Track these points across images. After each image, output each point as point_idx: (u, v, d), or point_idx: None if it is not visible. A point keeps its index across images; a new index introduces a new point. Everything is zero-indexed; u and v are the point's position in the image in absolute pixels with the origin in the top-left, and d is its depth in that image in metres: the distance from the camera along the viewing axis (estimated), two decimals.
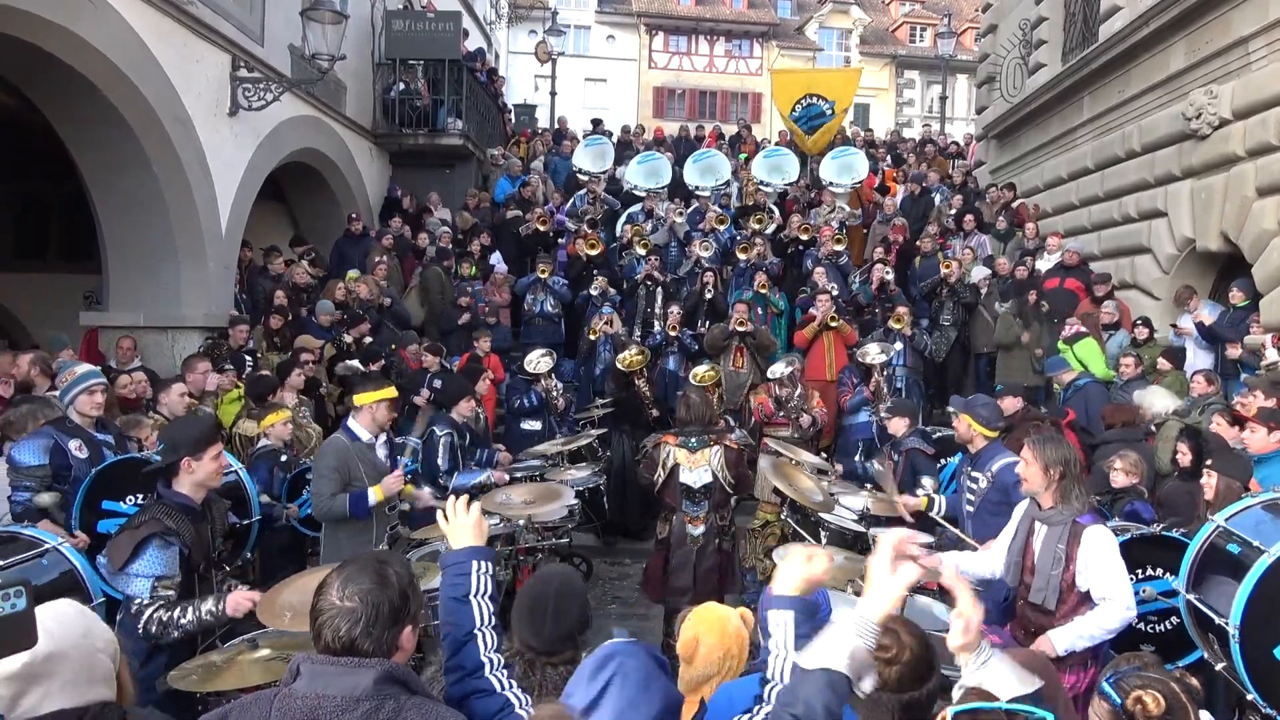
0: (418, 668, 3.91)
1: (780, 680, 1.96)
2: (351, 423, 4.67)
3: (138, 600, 3.13)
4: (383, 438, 4.84)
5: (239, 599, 3.18)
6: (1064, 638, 3.29)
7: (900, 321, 8.56)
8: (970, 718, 1.66)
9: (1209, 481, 4.24)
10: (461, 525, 2.24)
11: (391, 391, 4.76)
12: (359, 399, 4.68)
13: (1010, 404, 6.63)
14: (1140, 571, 3.94)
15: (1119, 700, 1.91)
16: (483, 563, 2.18)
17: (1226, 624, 3.04)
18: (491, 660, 2.05)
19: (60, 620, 1.63)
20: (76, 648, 1.62)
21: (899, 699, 1.92)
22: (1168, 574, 3.90)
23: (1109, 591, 3.25)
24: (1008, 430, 6.67)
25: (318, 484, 4.45)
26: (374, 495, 4.41)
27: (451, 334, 9.54)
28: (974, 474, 4.71)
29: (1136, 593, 3.91)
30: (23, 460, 4.33)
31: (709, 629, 2.39)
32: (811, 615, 2.04)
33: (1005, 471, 4.48)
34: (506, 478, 6.20)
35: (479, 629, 2.08)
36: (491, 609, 2.12)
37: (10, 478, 4.34)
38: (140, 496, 4.28)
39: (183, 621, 3.12)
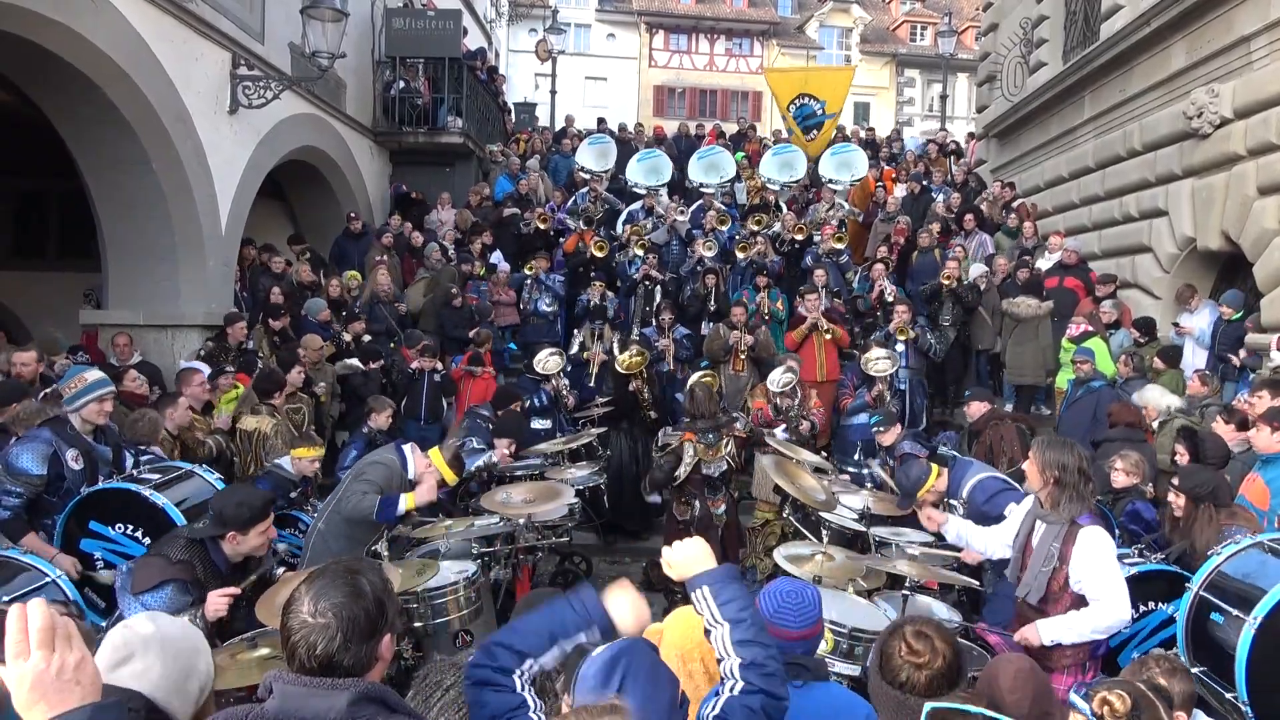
0: (416, 666, 3.90)
1: (728, 657, 1.92)
2: (407, 450, 4.68)
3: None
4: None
5: (214, 600, 3.17)
6: (1051, 629, 3.28)
7: (904, 333, 8.50)
8: (945, 715, 1.66)
9: (1176, 501, 4.17)
10: (632, 612, 2.05)
11: (450, 475, 4.75)
12: (433, 453, 4.72)
13: (977, 409, 6.73)
14: (1138, 609, 3.91)
15: (1087, 707, 1.92)
16: (599, 634, 2.03)
17: (1236, 698, 3.00)
18: (522, 677, 1.98)
19: (178, 628, 1.77)
20: (177, 654, 1.74)
21: (925, 702, 1.91)
22: (1161, 603, 3.89)
23: (1101, 593, 3.23)
24: (975, 434, 6.75)
25: (359, 483, 4.46)
26: (405, 502, 4.43)
27: (456, 328, 9.54)
28: (952, 504, 4.74)
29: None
30: (23, 467, 4.27)
31: (674, 625, 2.39)
32: (732, 578, 2.00)
33: (975, 492, 4.51)
34: (508, 454, 6.20)
35: (534, 659, 1.99)
36: (558, 660, 2.02)
37: (1, 477, 4.30)
38: (130, 528, 4.23)
39: None
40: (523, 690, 1.95)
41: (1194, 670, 3.28)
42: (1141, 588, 3.86)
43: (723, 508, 5.91)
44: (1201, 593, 3.34)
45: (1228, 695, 3.05)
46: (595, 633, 2.00)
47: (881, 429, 6.15)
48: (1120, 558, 3.89)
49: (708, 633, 1.97)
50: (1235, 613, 3.06)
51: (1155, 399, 6.60)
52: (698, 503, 5.88)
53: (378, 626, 1.69)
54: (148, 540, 4.18)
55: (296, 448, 5.64)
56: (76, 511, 4.23)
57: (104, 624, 3.47)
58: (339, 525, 4.50)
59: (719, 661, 1.97)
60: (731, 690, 1.88)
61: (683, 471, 5.76)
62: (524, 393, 7.93)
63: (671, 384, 8.56)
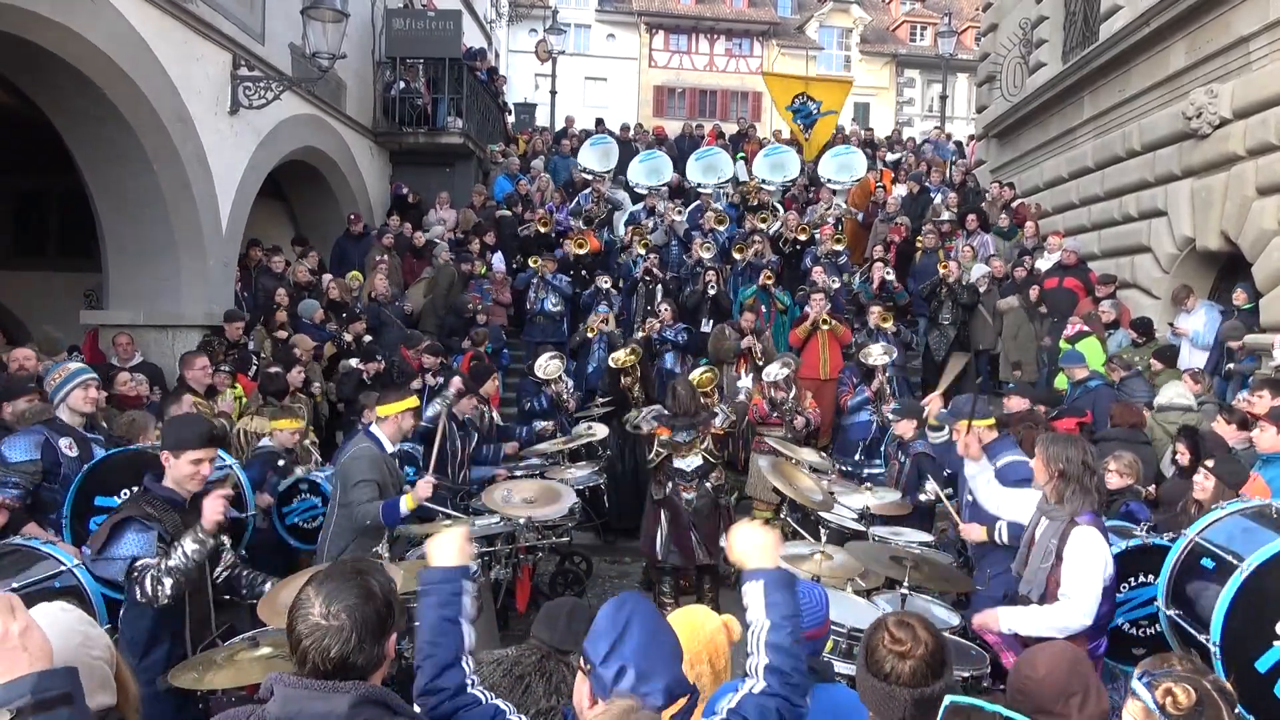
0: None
1: (757, 654, 1.95)
2: (375, 430, 4.66)
3: (124, 580, 3.13)
4: (395, 447, 4.82)
5: (211, 512, 3.14)
6: (1011, 617, 3.32)
7: (886, 320, 8.62)
8: (961, 711, 1.67)
9: (1204, 483, 4.22)
10: (451, 542, 2.15)
11: (414, 401, 4.75)
12: (383, 410, 4.69)
13: (1016, 403, 6.59)
14: (1131, 580, 3.93)
15: (1150, 697, 1.92)
16: (469, 584, 2.15)
17: (1207, 640, 3.03)
18: (473, 680, 2.04)
19: (59, 632, 1.61)
20: (77, 659, 1.60)
21: (911, 693, 1.92)
22: (1156, 579, 3.90)
23: (1071, 591, 3.24)
24: (1003, 426, 6.70)
25: (356, 490, 4.42)
26: (405, 504, 4.43)
27: (454, 334, 9.57)
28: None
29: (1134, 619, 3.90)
30: (12, 456, 4.28)
31: (679, 628, 2.38)
32: (787, 585, 2.04)
33: (1007, 469, 4.43)
34: (504, 473, 6.20)
35: (465, 655, 2.05)
36: (473, 635, 2.11)
37: None
38: (135, 489, 4.23)
39: (172, 564, 3.06)
40: (491, 700, 1.99)
41: (1169, 612, 3.34)
42: (1140, 560, 3.92)
43: (692, 494, 5.98)
44: (1198, 539, 3.38)
45: (1199, 637, 3.10)
46: (464, 582, 2.10)
47: (897, 418, 6.12)
48: (1125, 533, 3.99)
49: (747, 625, 2.01)
50: (1229, 558, 3.11)
51: (1165, 393, 6.63)
52: (670, 484, 6.03)
53: (387, 626, 1.71)
54: None
55: (276, 420, 5.76)
56: (78, 497, 4.23)
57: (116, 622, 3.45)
58: (346, 526, 4.52)
59: (746, 657, 2.00)
60: (751, 689, 1.92)
61: (653, 459, 6.05)
62: (526, 396, 7.95)
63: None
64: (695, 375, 7.76)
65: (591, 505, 7.14)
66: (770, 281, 9.43)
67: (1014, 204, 11.80)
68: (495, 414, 7.31)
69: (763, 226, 11.08)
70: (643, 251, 10.03)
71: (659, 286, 9.73)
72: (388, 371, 8.21)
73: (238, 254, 9.29)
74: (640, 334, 8.77)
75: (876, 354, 7.70)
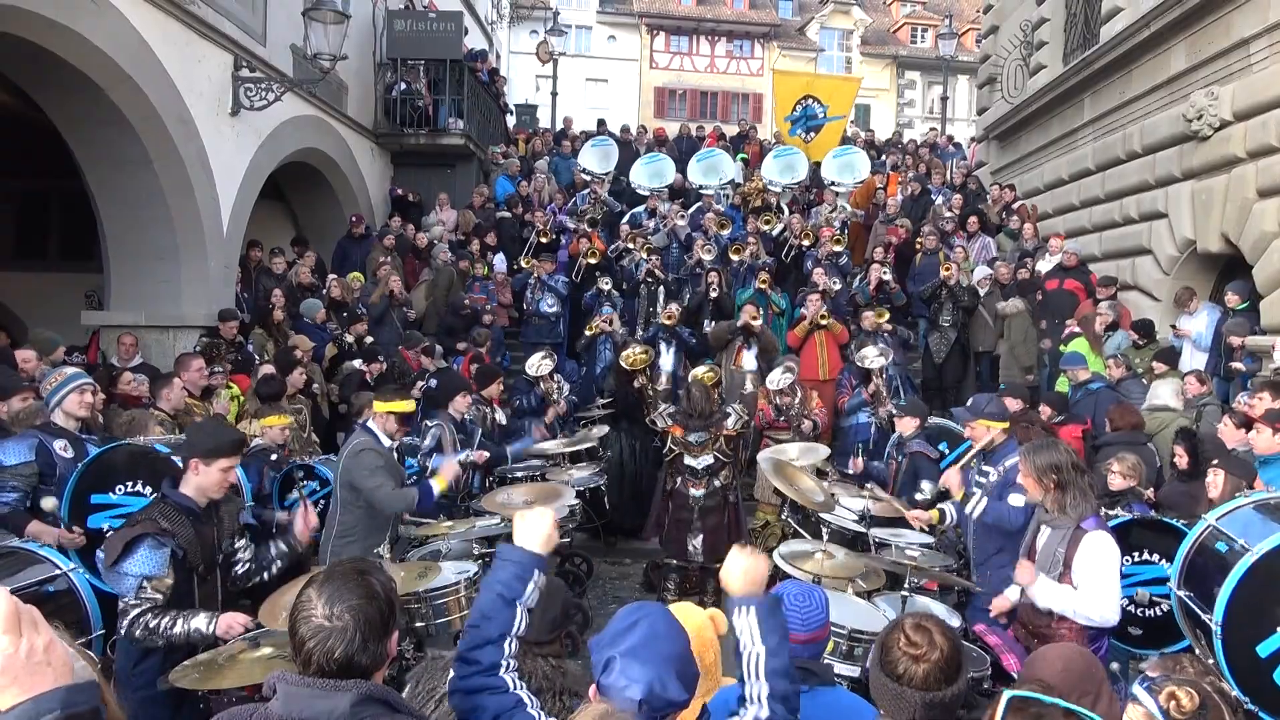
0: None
1: (756, 679, 1.96)
2: (371, 425, 4.68)
3: (125, 599, 3.12)
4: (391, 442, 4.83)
5: (231, 622, 3.14)
6: (1046, 591, 3.36)
7: (882, 317, 8.68)
8: (1022, 704, 1.69)
9: (1215, 480, 4.24)
10: (535, 529, 2.14)
11: (408, 405, 4.76)
12: (377, 405, 4.70)
13: (1011, 404, 6.62)
14: (1136, 554, 3.95)
15: (1154, 701, 1.93)
16: (540, 574, 2.13)
17: (1211, 620, 3.07)
18: (508, 663, 2.04)
19: None
20: None
21: (922, 696, 1.93)
22: (1163, 560, 3.91)
23: (1090, 590, 3.29)
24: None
25: (375, 481, 4.41)
26: (438, 486, 4.54)
27: (455, 334, 9.57)
28: (985, 468, 4.65)
29: (1131, 596, 3.92)
30: (7, 460, 4.27)
31: None
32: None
33: (1013, 471, 4.38)
34: (486, 455, 6.19)
35: (511, 635, 2.05)
36: (528, 620, 2.09)
37: None
38: (130, 484, 4.23)
39: (170, 633, 3.08)
40: (516, 689, 1.98)
41: (1180, 593, 3.38)
42: (1144, 536, 3.96)
43: (701, 491, 6.16)
44: (1215, 524, 3.43)
45: (1204, 617, 3.15)
46: (536, 572, 2.08)
47: (899, 415, 6.13)
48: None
49: (739, 653, 2.00)
50: (1241, 543, 3.19)
51: (1159, 393, 6.65)
52: (679, 479, 6.23)
53: (389, 625, 1.73)
54: (149, 490, 4.18)
55: (264, 417, 5.79)
56: (75, 496, 4.23)
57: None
58: (354, 525, 4.52)
59: (741, 681, 2.00)
60: (756, 715, 1.94)
61: (668, 455, 6.26)
62: (517, 394, 7.96)
63: (672, 383, 8.57)
64: (698, 373, 7.77)
65: (592, 506, 7.13)
66: (767, 284, 9.42)
67: (1014, 205, 11.81)
68: (500, 414, 7.30)
69: (766, 228, 11.08)
70: (644, 255, 10.03)
71: (660, 288, 9.74)
72: (388, 372, 8.22)
73: (239, 255, 9.30)
74: (664, 319, 8.76)
75: (872, 356, 7.70)
